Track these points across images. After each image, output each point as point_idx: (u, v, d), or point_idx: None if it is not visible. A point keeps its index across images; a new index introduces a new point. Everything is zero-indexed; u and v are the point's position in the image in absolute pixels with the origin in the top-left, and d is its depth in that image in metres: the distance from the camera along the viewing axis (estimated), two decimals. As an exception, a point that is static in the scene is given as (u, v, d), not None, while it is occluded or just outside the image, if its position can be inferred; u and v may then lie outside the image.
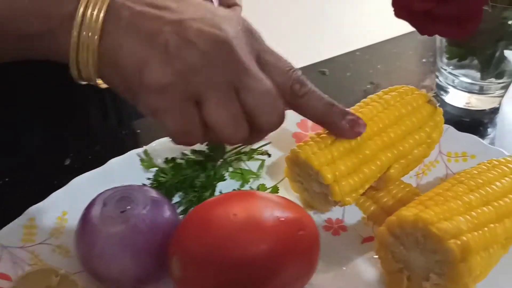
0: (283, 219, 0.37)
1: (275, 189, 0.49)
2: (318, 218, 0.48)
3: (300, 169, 0.46)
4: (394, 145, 0.44)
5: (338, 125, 0.41)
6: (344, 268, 0.43)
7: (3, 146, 0.56)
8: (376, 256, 0.42)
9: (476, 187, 0.41)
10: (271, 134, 0.40)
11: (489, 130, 0.63)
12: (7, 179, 0.52)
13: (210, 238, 0.36)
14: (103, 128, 0.65)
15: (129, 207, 0.39)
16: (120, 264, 0.38)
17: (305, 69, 0.71)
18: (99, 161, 0.49)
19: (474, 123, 0.63)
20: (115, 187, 0.42)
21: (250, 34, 0.38)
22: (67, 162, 0.55)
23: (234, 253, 0.35)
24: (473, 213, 0.39)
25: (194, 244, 0.36)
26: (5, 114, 0.57)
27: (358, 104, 0.48)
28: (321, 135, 0.44)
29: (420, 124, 0.46)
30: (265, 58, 0.38)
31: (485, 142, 0.59)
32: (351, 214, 0.48)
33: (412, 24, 0.56)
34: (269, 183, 0.50)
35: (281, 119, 0.39)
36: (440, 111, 0.48)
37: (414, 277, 0.40)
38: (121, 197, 0.40)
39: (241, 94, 0.36)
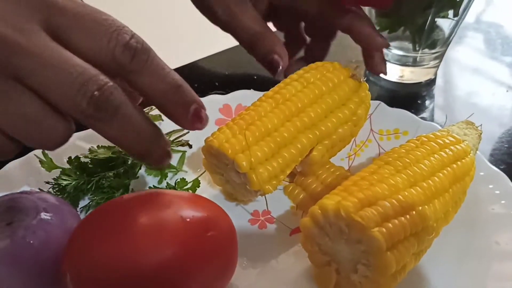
0: (188, 219, 0.33)
1: (196, 183, 0.45)
2: (244, 211, 0.44)
3: (217, 160, 0.42)
4: (315, 125, 0.41)
5: (179, 116, 0.31)
6: (271, 263, 0.40)
7: None
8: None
9: (403, 168, 0.38)
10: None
11: (427, 103, 0.61)
12: None
13: (105, 248, 0.31)
14: None
15: (16, 218, 0.34)
16: (9, 283, 0.34)
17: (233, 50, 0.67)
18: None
19: (411, 96, 0.61)
20: (2, 196, 0.36)
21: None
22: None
23: (133, 263, 0.31)
24: (400, 197, 0.35)
25: (87, 257, 0.31)
26: None
27: (278, 84, 0.44)
28: (236, 121, 0.40)
29: (343, 101, 0.43)
30: (64, 24, 0.27)
31: (425, 115, 0.57)
32: (280, 204, 0.45)
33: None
34: (191, 177, 0.46)
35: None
36: (365, 86, 0.45)
37: (343, 269, 0.37)
38: (8, 206, 0.35)
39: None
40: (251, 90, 0.53)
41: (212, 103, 0.51)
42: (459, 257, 0.40)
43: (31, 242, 0.34)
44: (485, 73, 0.67)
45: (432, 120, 0.57)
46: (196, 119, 0.30)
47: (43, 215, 0.35)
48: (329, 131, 0.42)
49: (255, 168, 0.38)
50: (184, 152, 0.48)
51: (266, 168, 0.39)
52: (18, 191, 0.38)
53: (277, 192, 0.44)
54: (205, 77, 0.63)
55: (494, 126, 0.56)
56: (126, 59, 0.28)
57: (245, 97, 0.51)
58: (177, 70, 0.32)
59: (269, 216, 0.44)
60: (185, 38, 0.75)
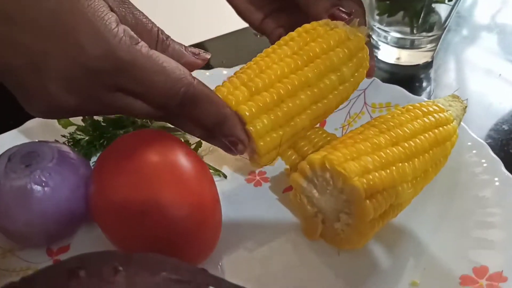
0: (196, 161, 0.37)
1: (199, 144, 0.49)
2: (242, 172, 0.48)
3: None
4: (313, 85, 0.42)
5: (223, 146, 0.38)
6: (263, 217, 0.43)
7: None
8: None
9: (387, 130, 0.41)
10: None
11: (424, 85, 0.64)
12: None
13: (124, 186, 0.35)
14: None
15: (34, 161, 0.38)
16: (26, 218, 0.38)
17: (240, 33, 0.71)
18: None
19: (407, 78, 0.64)
20: (23, 143, 0.41)
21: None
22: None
23: (150, 200, 0.34)
24: (381, 153, 0.39)
25: (109, 194, 0.35)
26: None
27: (278, 42, 0.46)
28: (237, 74, 0.42)
29: (343, 61, 0.43)
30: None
31: (423, 96, 0.60)
32: (274, 167, 0.48)
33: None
34: (194, 139, 0.50)
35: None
36: (366, 49, 0.45)
37: (327, 219, 0.40)
38: (27, 152, 0.39)
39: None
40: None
41: (217, 76, 0.55)
42: (442, 212, 0.43)
43: (47, 182, 0.38)
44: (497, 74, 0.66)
45: (427, 100, 0.59)
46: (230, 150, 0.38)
47: (58, 160, 0.39)
48: (325, 93, 0.43)
49: (256, 117, 0.39)
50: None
51: (268, 118, 0.39)
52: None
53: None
54: (212, 56, 0.67)
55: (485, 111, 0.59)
56: (176, 107, 0.34)
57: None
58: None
59: (264, 176, 0.47)
60: (195, 17, 0.78)
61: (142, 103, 0.34)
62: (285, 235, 0.42)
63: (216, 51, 0.69)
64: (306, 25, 0.44)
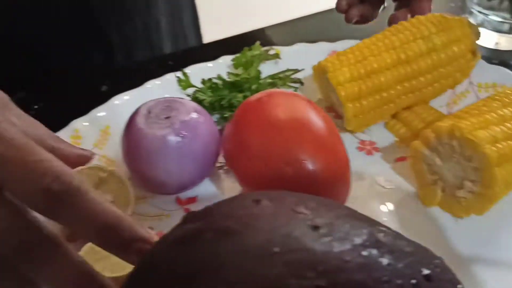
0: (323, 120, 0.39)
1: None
2: (352, 139, 0.49)
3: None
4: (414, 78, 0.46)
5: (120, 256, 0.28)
6: (378, 182, 0.45)
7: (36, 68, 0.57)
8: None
9: (510, 103, 0.42)
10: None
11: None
12: (42, 104, 0.54)
13: (259, 142, 0.37)
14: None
15: (173, 114, 0.41)
16: (165, 166, 0.40)
17: (329, 13, 0.72)
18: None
19: (505, 64, 0.64)
20: (157, 99, 0.43)
21: None
22: (104, 88, 0.56)
23: (286, 156, 0.36)
24: (508, 124, 0.40)
25: (243, 151, 0.37)
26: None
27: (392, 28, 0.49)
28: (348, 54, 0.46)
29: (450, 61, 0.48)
30: None
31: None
32: (383, 138, 0.49)
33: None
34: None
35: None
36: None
37: (448, 187, 0.41)
38: (165, 106, 0.42)
39: None
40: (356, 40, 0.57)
41: (322, 49, 0.56)
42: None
43: (185, 133, 0.40)
44: None
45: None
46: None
47: (194, 115, 0.41)
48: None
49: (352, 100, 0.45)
50: (296, 88, 0.54)
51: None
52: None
53: (380, 126, 0.49)
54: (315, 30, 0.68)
55: None
56: (49, 204, 0.27)
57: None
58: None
59: (375, 145, 0.49)
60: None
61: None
62: (402, 201, 0.43)
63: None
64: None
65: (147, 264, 0.25)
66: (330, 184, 0.37)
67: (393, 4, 0.60)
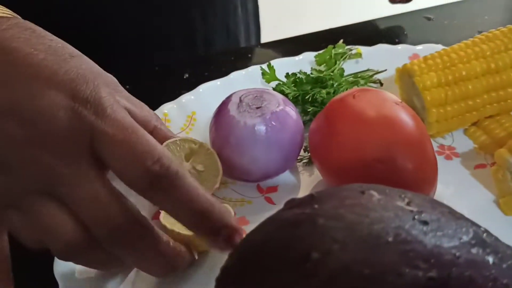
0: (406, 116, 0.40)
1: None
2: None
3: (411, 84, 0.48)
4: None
5: (210, 241, 0.31)
6: (460, 188, 0.45)
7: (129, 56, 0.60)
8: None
9: None
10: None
11: None
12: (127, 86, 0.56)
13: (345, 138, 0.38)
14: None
15: (263, 104, 0.42)
16: (252, 154, 0.42)
17: (409, 15, 0.72)
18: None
19: None
20: (247, 89, 0.45)
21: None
22: (186, 76, 0.59)
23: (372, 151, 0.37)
24: None
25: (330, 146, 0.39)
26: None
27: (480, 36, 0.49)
28: (435, 58, 0.46)
29: None
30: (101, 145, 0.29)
31: None
32: (462, 144, 0.49)
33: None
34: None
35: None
36: None
37: (531, 198, 0.41)
38: (256, 96, 0.43)
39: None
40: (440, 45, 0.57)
41: (403, 51, 0.57)
42: None
43: (274, 124, 0.42)
44: None
45: None
46: (226, 246, 0.30)
47: (283, 106, 0.43)
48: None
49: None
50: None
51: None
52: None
53: (459, 132, 0.49)
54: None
55: None
56: (149, 184, 0.29)
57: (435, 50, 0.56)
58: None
59: (454, 151, 0.49)
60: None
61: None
62: (479, 209, 0.43)
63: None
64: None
65: (257, 242, 0.27)
66: (418, 185, 0.37)
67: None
